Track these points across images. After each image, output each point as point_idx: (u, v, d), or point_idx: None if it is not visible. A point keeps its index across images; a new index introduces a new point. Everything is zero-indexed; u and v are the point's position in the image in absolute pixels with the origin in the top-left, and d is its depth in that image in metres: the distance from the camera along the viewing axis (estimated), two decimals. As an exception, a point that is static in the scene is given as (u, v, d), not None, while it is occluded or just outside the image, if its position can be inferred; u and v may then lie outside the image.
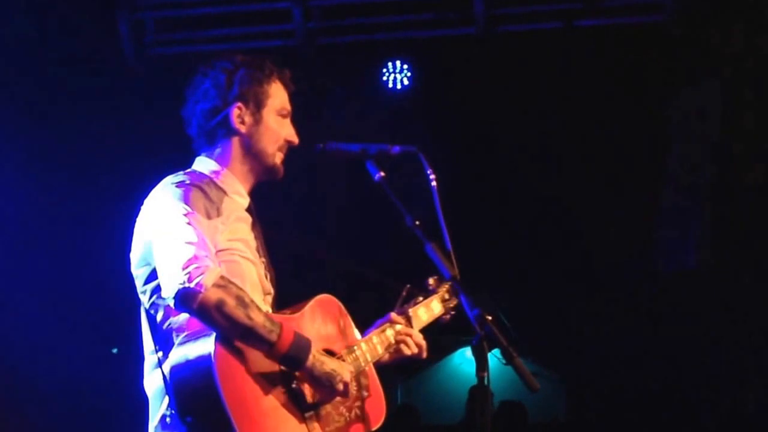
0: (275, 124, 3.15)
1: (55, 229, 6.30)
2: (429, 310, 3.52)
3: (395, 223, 3.01)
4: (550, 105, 6.80)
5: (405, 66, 7.04)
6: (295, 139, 3.20)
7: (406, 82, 7.05)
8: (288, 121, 3.20)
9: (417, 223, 2.92)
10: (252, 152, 3.14)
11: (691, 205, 6.97)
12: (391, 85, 7.07)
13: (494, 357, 2.75)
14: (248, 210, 3.17)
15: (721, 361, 7.06)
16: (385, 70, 7.06)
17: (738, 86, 6.64)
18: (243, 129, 3.12)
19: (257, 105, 3.13)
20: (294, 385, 2.92)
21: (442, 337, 3.57)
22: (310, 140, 3.27)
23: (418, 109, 7.07)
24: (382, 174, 3.08)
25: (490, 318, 2.74)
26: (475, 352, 2.75)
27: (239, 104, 3.11)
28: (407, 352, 3.33)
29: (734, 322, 6.97)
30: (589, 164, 6.95)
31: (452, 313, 3.58)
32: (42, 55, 6.19)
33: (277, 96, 3.17)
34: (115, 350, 6.71)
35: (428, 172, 2.97)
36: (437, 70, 7.01)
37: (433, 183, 2.95)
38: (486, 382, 2.72)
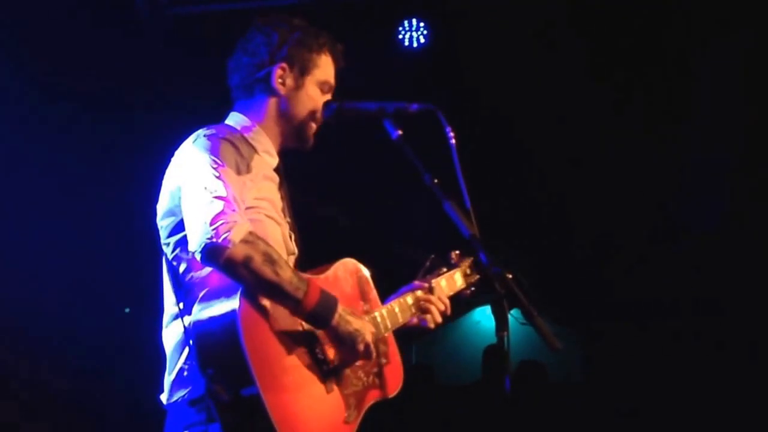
0: (315, 93, 3.18)
1: (68, 188, 6.29)
2: (451, 281, 3.55)
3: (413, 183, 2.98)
4: (573, 62, 6.68)
5: (421, 24, 6.96)
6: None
7: (422, 40, 6.98)
8: (328, 96, 3.22)
9: (435, 181, 2.90)
10: (286, 115, 3.16)
11: (719, 168, 6.84)
12: (407, 43, 7.00)
13: (511, 317, 2.74)
14: (276, 170, 3.18)
15: (744, 322, 7.00)
16: (401, 28, 6.99)
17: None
18: (282, 90, 3.15)
19: (302, 70, 3.16)
20: (316, 346, 2.94)
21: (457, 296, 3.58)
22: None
23: (434, 68, 6.99)
24: (400, 132, 3.05)
25: (510, 277, 2.72)
26: (495, 312, 2.73)
27: (284, 65, 3.15)
28: (430, 318, 3.35)
29: (759, 286, 6.90)
30: (613, 123, 6.84)
31: (473, 288, 3.61)
32: (55, 15, 6.14)
33: (324, 69, 3.20)
34: (127, 310, 6.73)
35: (447, 130, 2.94)
36: (454, 28, 6.91)
37: (452, 141, 2.93)
38: (506, 341, 2.71)
